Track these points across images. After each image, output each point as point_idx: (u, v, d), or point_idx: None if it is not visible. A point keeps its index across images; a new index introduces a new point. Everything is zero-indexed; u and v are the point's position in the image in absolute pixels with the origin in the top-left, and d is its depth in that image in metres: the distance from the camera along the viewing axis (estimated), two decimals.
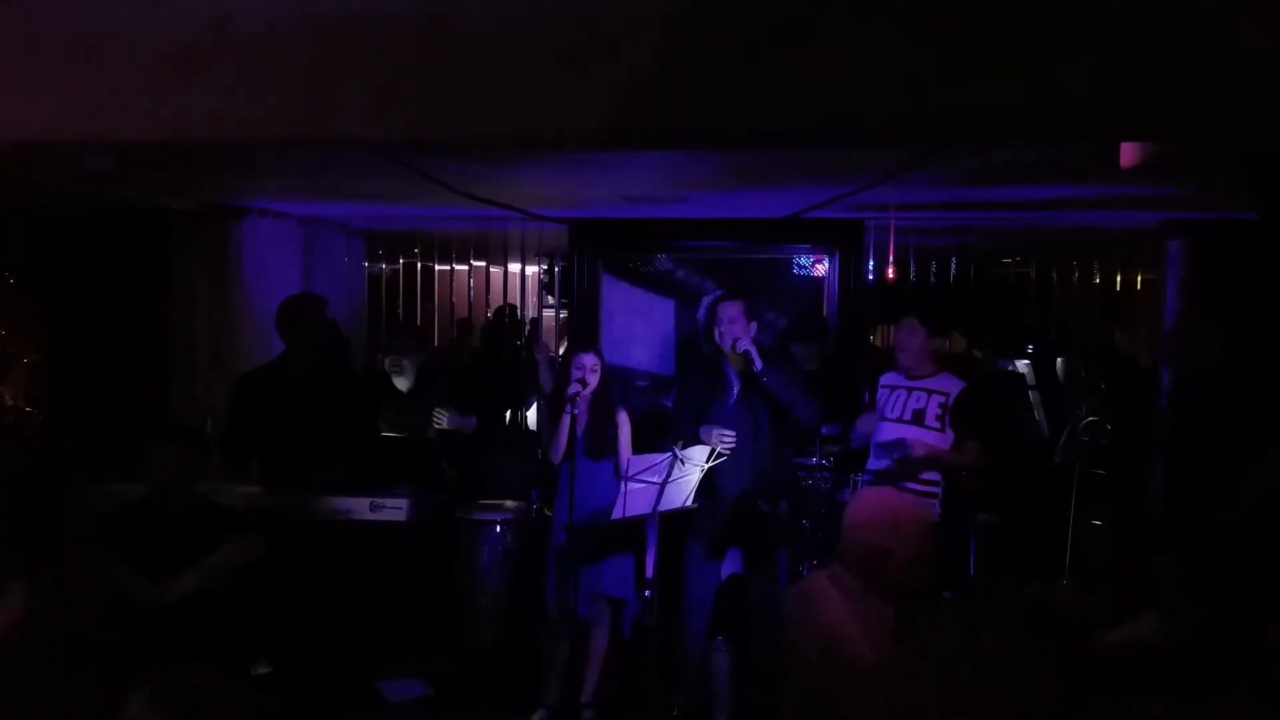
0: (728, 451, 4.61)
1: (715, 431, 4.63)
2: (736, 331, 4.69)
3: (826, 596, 2.71)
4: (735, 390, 4.79)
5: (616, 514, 4.44)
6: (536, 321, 8.18)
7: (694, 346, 6.36)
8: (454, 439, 5.35)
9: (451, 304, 8.19)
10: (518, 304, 8.39)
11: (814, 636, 2.68)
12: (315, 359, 4.92)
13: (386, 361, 5.47)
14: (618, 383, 5.19)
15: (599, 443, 4.83)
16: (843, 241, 6.53)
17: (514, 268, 8.35)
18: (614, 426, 4.86)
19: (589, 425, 4.83)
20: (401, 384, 5.51)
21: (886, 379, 4.95)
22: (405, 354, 5.46)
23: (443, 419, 5.23)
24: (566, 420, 4.76)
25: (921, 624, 1.69)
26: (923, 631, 1.66)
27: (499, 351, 7.81)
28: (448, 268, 8.07)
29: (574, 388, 4.74)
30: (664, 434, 4.92)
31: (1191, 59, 2.76)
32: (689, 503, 4.58)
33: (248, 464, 5.00)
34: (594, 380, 4.79)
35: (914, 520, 2.73)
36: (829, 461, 5.16)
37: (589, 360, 4.82)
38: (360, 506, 5.02)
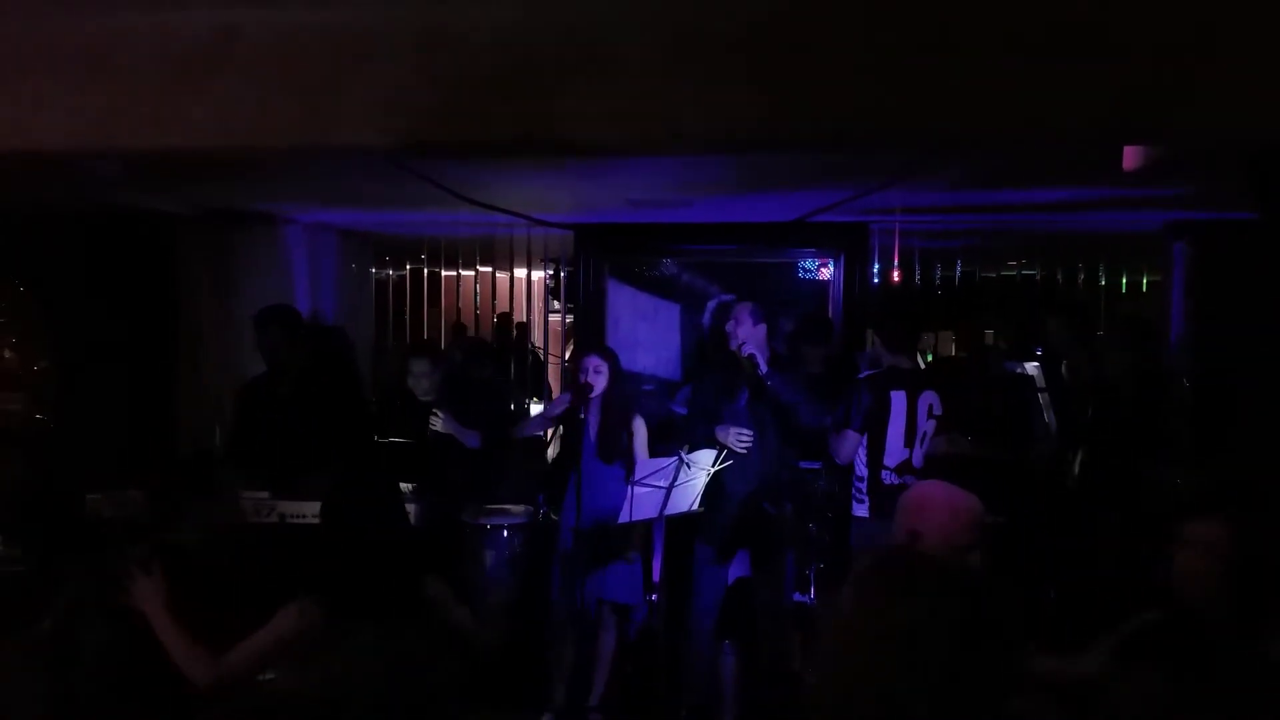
0: (744, 450, 4.62)
1: (733, 431, 4.62)
2: (744, 334, 4.70)
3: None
4: (745, 393, 4.79)
5: (623, 518, 4.45)
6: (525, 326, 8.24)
7: (703, 350, 6.38)
8: (456, 444, 5.36)
9: (458, 309, 8.21)
10: (523, 310, 8.44)
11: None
12: (294, 367, 5.03)
13: (410, 380, 5.49)
14: (631, 386, 5.18)
15: (611, 446, 4.82)
16: (848, 245, 6.54)
17: (520, 273, 8.38)
18: (628, 431, 4.86)
19: (600, 428, 4.83)
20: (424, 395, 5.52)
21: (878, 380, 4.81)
22: (425, 371, 5.48)
23: (437, 421, 5.25)
24: (557, 408, 4.93)
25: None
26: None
27: (500, 356, 7.86)
28: (454, 273, 8.09)
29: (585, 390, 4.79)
30: (670, 438, 4.92)
31: (1194, 61, 2.77)
32: (695, 507, 4.58)
33: (255, 470, 5.03)
34: (600, 382, 4.79)
35: (945, 506, 2.91)
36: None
37: (592, 362, 4.82)
38: None
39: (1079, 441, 4.82)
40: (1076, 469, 4.72)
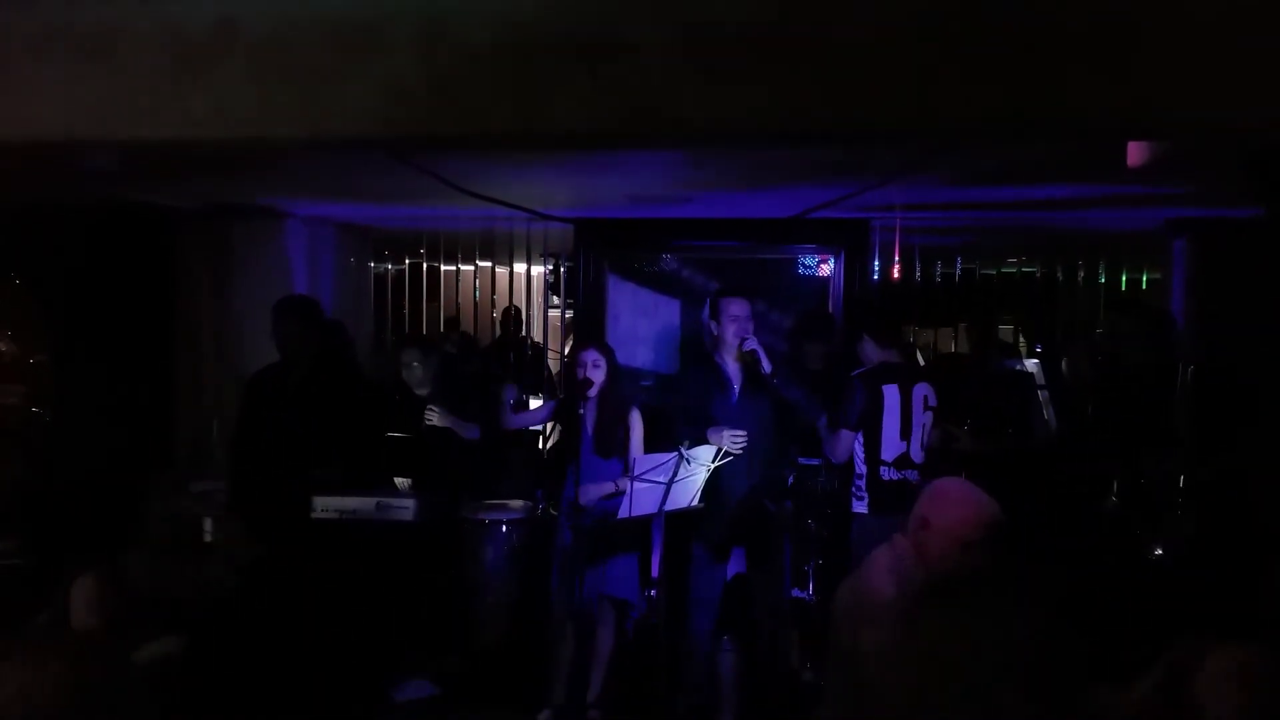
0: (739, 452, 4.60)
1: (726, 433, 4.60)
2: (744, 330, 4.69)
3: (880, 550, 3.00)
4: (736, 389, 4.78)
5: (622, 514, 4.44)
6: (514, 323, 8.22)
7: (696, 345, 6.37)
8: (454, 439, 5.35)
9: (457, 304, 8.20)
10: (523, 305, 8.43)
11: (856, 578, 2.97)
12: (307, 359, 4.98)
13: (404, 373, 5.49)
14: (629, 381, 5.19)
15: (608, 441, 4.82)
16: (848, 241, 6.53)
17: (519, 268, 8.36)
18: (624, 426, 4.85)
19: (598, 423, 4.83)
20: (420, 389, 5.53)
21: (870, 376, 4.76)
22: (417, 360, 5.49)
23: (433, 415, 5.24)
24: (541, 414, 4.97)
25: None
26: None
27: (500, 351, 7.86)
28: (453, 268, 8.07)
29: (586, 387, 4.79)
30: (670, 434, 4.91)
31: (1197, 56, 2.76)
32: (695, 502, 4.57)
33: (255, 463, 5.03)
34: (598, 377, 4.79)
35: (957, 500, 2.95)
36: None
37: (590, 357, 4.82)
38: (367, 506, 5.02)
39: (1083, 437, 4.81)
40: (1079, 465, 4.71)
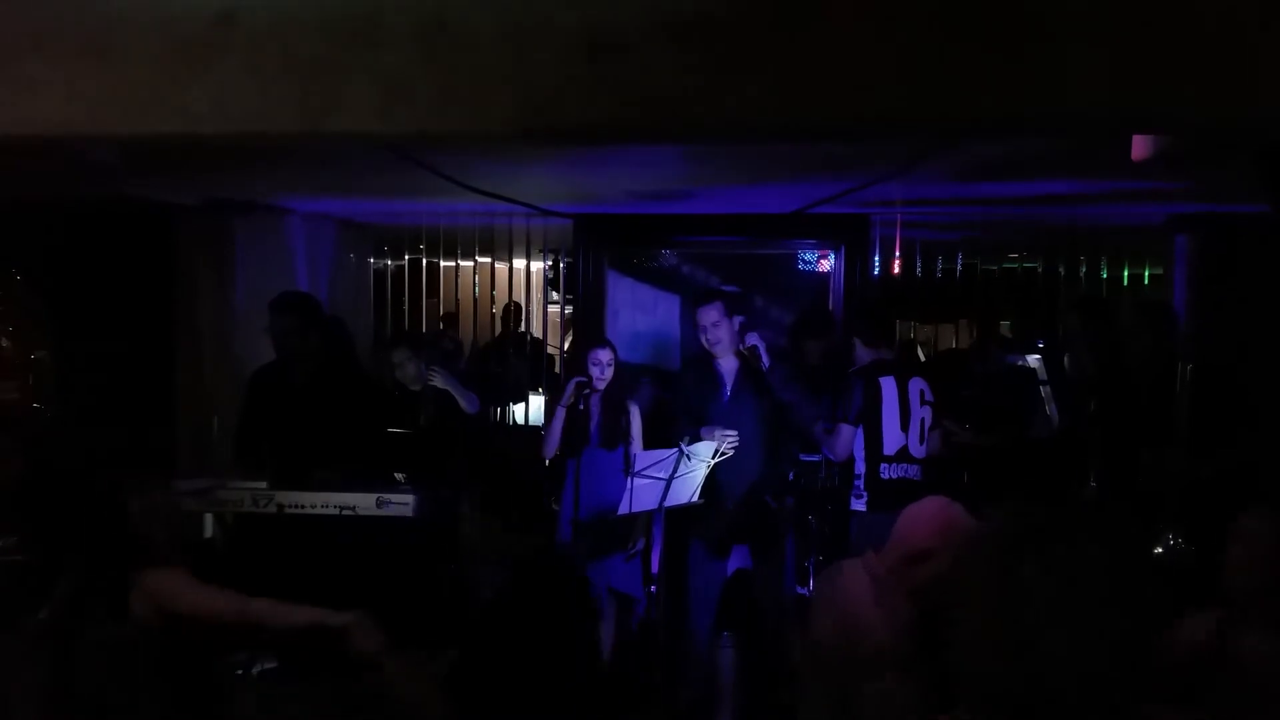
0: (731, 451, 4.62)
1: (717, 433, 4.63)
2: (720, 335, 4.74)
3: (855, 581, 2.72)
4: (729, 388, 4.81)
5: (623, 509, 4.44)
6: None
7: (694, 343, 6.39)
8: (450, 434, 5.35)
9: (456, 300, 8.19)
10: (522, 301, 8.44)
11: (836, 617, 2.68)
12: (307, 355, 4.97)
13: (397, 371, 5.50)
14: (628, 376, 5.26)
15: (612, 431, 4.90)
16: (848, 237, 6.52)
17: (519, 264, 8.36)
18: (626, 416, 4.96)
19: (602, 419, 4.89)
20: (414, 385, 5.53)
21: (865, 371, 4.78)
22: (408, 358, 5.51)
23: (435, 376, 5.25)
24: (560, 416, 4.90)
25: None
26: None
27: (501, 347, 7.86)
28: (453, 263, 8.06)
29: (595, 382, 4.85)
30: (666, 432, 4.93)
31: (1203, 49, 2.74)
32: (695, 498, 4.57)
33: (258, 460, 5.01)
34: (610, 374, 4.88)
35: (958, 530, 2.61)
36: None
37: (605, 355, 4.90)
38: (367, 502, 5.00)
39: (1085, 432, 4.80)
40: (1082, 459, 4.70)
